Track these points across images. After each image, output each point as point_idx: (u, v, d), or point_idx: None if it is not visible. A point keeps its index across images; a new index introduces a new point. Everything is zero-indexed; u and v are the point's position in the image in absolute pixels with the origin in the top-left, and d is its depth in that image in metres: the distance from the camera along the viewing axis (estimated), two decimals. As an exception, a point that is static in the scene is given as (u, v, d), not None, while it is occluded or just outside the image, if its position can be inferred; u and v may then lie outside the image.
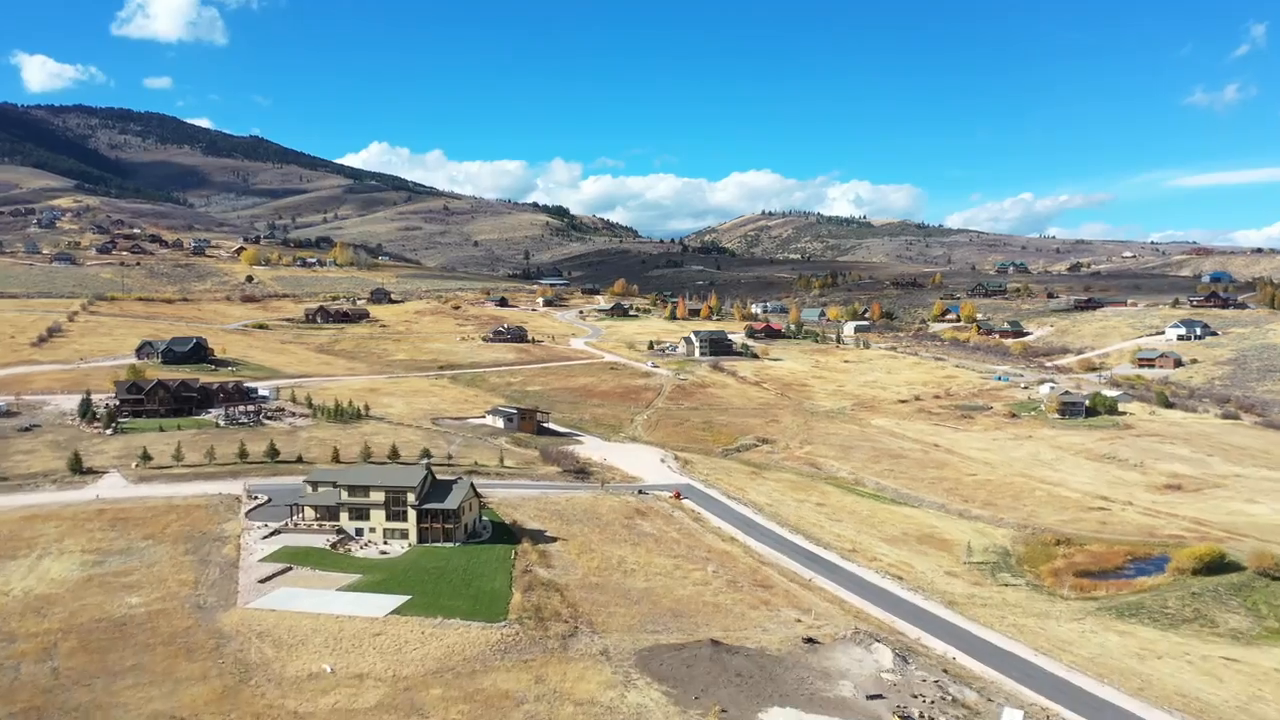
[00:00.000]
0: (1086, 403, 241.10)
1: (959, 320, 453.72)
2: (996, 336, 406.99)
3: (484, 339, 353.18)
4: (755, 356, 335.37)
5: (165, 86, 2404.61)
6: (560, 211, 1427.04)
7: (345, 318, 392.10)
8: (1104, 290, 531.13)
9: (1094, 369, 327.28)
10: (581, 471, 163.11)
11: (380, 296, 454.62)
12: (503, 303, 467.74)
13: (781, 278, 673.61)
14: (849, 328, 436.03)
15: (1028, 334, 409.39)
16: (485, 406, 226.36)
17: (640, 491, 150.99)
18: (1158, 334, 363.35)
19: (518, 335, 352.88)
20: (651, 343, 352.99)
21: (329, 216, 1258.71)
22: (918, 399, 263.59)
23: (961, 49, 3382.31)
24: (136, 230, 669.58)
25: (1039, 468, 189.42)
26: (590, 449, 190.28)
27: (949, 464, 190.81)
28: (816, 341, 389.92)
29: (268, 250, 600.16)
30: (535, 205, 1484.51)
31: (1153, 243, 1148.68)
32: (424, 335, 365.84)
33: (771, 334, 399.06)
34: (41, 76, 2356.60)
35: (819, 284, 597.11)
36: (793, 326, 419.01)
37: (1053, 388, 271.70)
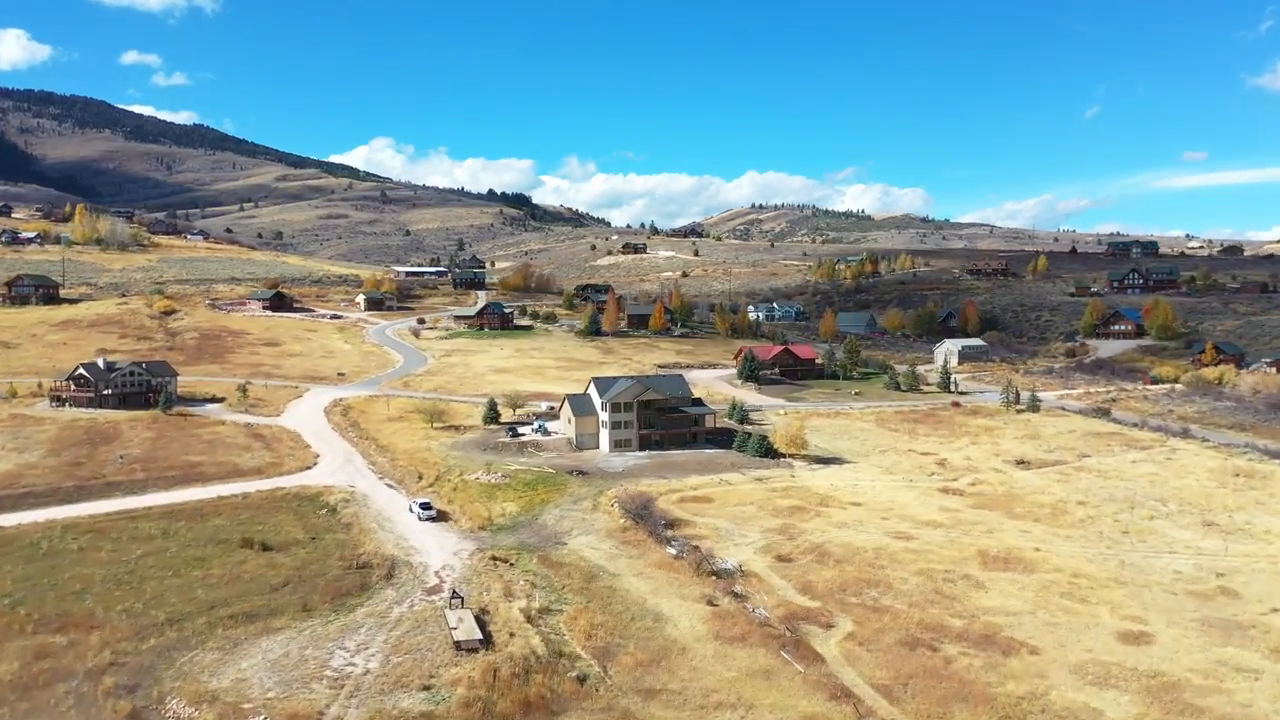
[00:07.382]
0: None
1: (1143, 335, 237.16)
2: (1274, 373, 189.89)
3: (52, 399, 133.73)
4: (771, 454, 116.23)
5: (150, 63, 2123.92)
6: (520, 200, 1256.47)
7: None
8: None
9: None
10: None
11: (26, 292, 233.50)
12: (279, 303, 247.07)
13: (789, 266, 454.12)
14: (949, 352, 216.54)
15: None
16: None
17: None
18: None
19: (143, 388, 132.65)
20: (492, 405, 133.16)
21: (245, 205, 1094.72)
22: None
23: (993, 43, 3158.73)
24: None
25: None
26: None
27: None
28: (900, 387, 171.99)
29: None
30: (491, 194, 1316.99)
31: (1187, 235, 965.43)
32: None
33: (795, 369, 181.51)
34: (15, 53, 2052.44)
35: (851, 273, 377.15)
36: (837, 352, 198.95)
37: None
